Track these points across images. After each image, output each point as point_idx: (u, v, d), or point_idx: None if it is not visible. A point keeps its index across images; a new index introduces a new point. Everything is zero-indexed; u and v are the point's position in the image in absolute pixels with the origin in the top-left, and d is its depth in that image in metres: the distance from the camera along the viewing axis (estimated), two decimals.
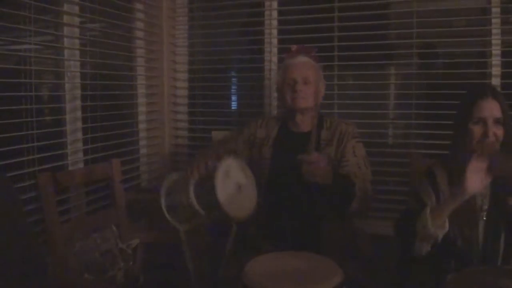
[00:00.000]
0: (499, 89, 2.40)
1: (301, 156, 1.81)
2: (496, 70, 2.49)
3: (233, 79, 3.07)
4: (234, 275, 1.73)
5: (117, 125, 2.59)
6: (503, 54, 2.49)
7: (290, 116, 2.17)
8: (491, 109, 1.73)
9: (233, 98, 3.04)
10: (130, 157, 2.72)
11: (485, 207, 1.69)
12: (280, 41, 2.85)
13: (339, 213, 2.01)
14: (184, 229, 1.89)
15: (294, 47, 2.30)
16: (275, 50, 2.85)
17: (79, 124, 2.32)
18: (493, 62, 2.49)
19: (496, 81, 2.48)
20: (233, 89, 3.05)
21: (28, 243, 1.52)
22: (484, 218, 1.69)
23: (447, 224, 1.58)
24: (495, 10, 2.47)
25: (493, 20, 2.47)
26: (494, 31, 2.48)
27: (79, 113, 2.32)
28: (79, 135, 2.32)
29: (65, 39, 2.21)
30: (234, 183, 1.78)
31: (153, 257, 2.32)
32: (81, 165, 2.33)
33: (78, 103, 2.31)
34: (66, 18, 2.20)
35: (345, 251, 2.03)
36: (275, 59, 2.84)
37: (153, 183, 2.84)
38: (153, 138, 2.92)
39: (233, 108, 3.04)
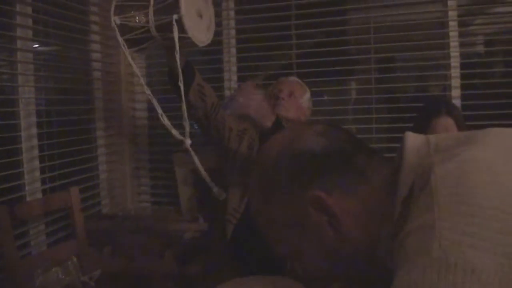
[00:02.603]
0: (458, 101, 2.47)
1: None
2: (455, 82, 2.54)
3: None
4: None
5: (75, 152, 2.51)
6: (462, 66, 2.54)
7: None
8: (445, 127, 1.76)
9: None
10: (89, 183, 2.64)
11: None
12: (240, 59, 2.84)
13: None
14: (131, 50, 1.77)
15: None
16: (234, 68, 2.83)
17: (36, 153, 2.22)
18: (452, 74, 2.54)
19: (456, 93, 2.53)
20: None
21: None
22: None
23: None
24: (453, 23, 2.53)
25: (451, 33, 2.53)
26: (452, 43, 2.53)
27: (35, 141, 2.22)
28: (36, 163, 2.23)
29: (19, 65, 2.13)
30: (195, 9, 1.72)
31: None
32: (39, 195, 2.24)
33: (34, 130, 2.22)
34: (19, 43, 2.11)
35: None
36: (234, 77, 2.83)
37: (114, 209, 2.76)
38: (113, 162, 2.83)
39: (195, 128, 2.98)
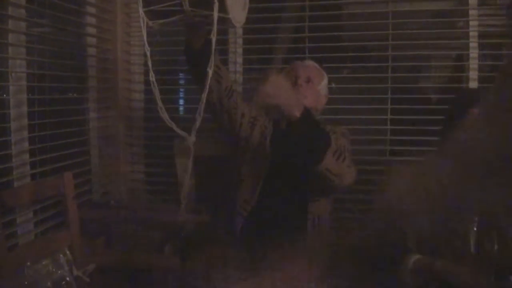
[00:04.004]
0: None
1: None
2: (473, 74, 2.41)
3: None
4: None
5: (66, 134, 2.30)
6: (480, 57, 2.42)
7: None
8: None
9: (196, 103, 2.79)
10: (80, 168, 2.43)
11: None
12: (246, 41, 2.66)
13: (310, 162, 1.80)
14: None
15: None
16: (240, 50, 2.65)
17: (26, 134, 2.01)
18: (471, 66, 2.41)
19: (473, 85, 2.40)
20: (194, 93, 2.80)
21: None
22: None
23: None
24: (473, 12, 2.39)
25: (471, 23, 2.40)
26: (471, 33, 2.40)
27: (25, 121, 2.01)
28: (26, 145, 2.02)
29: (10, 35, 1.91)
30: None
31: (112, 283, 2.07)
32: (27, 179, 2.03)
33: (24, 108, 2.01)
34: (11, 10, 1.89)
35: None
36: (240, 59, 2.65)
37: (107, 197, 2.56)
38: (106, 146, 2.62)
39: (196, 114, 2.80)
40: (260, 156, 2.00)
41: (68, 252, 1.86)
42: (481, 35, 2.41)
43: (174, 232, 2.21)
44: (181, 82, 2.86)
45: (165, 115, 1.45)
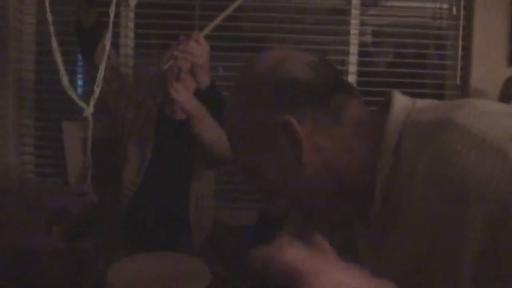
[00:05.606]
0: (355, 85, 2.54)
1: None
2: (352, 68, 2.63)
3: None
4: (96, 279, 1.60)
5: None
6: (359, 53, 2.66)
7: (169, 103, 2.06)
8: None
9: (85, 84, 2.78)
10: None
11: None
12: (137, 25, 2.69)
13: None
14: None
15: (183, 38, 2.14)
16: (131, 34, 2.68)
17: None
18: (350, 61, 2.62)
19: (352, 78, 2.62)
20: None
21: None
22: None
23: None
24: (355, 11, 2.61)
25: (352, 21, 2.62)
26: (352, 31, 2.63)
27: None
28: None
29: None
30: None
31: None
32: None
33: None
34: None
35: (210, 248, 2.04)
36: (131, 43, 2.68)
37: None
38: None
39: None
40: (144, 138, 2.06)
41: None
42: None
43: (61, 214, 2.23)
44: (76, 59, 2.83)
45: (65, 82, 1.52)
